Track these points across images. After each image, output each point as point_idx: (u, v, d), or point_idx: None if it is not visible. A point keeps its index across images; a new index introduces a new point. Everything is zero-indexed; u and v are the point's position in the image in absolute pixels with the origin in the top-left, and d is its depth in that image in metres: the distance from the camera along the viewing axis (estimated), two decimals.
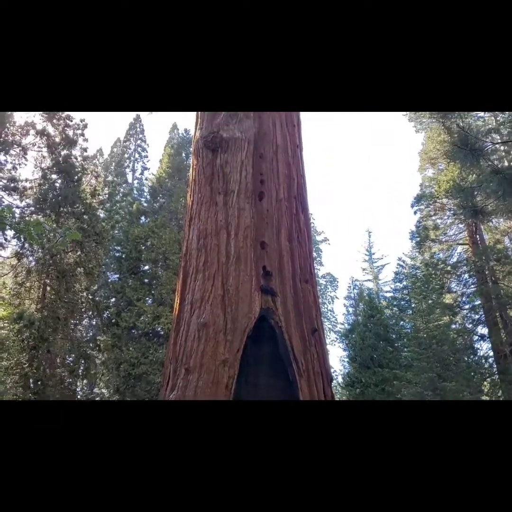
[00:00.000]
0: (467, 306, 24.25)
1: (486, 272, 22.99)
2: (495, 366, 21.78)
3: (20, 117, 20.87)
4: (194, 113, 5.31)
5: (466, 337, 23.33)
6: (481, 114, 27.54)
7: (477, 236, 25.45)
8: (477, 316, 23.60)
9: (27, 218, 18.06)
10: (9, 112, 19.97)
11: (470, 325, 23.80)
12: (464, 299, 24.27)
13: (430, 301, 23.55)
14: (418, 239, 27.30)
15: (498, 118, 25.96)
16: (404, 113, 32.71)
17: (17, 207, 19.25)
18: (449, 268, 25.39)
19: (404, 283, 30.32)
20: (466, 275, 24.78)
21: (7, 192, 19.26)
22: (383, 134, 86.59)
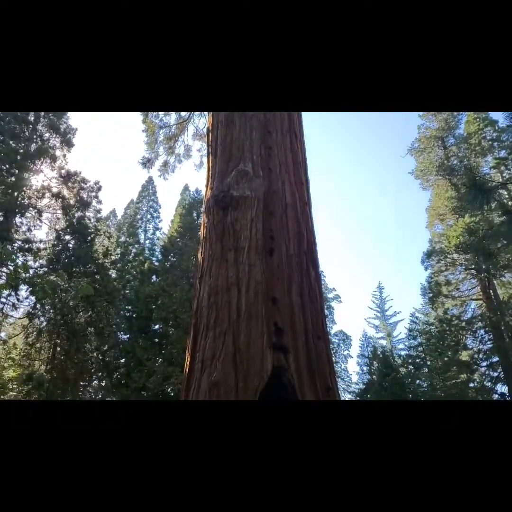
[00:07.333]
0: (484, 364, 23.54)
1: (502, 328, 22.51)
2: None
3: (36, 181, 21.64)
4: (205, 173, 5.45)
5: (485, 395, 22.48)
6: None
7: (491, 291, 25.14)
8: (495, 374, 22.85)
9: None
10: (26, 176, 20.72)
11: (489, 383, 22.99)
12: (481, 356, 23.60)
13: (446, 358, 22.99)
14: (430, 294, 27.02)
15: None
16: (411, 170, 33.44)
17: (31, 267, 19.52)
18: (464, 324, 24.92)
19: (419, 340, 29.69)
20: (482, 331, 24.25)
21: (21, 253, 19.61)
22: (389, 187, 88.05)
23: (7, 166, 19.98)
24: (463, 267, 25.51)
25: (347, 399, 37.45)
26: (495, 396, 22.65)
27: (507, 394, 21.75)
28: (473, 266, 24.91)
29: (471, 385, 22.88)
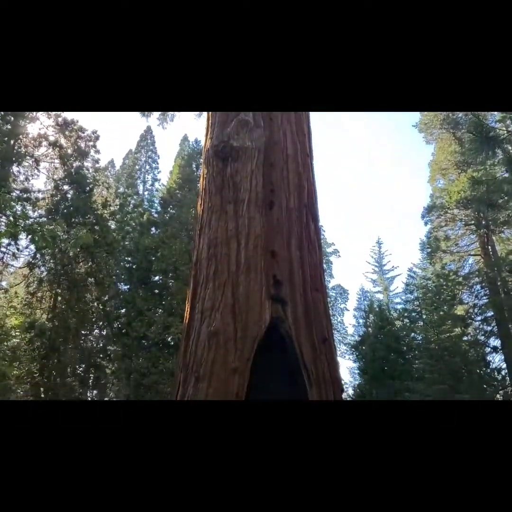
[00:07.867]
0: (479, 318, 23.95)
1: (498, 284, 22.74)
2: (508, 378, 21.46)
3: (32, 129, 21.20)
4: (205, 122, 5.34)
5: (478, 349, 23.03)
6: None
7: (489, 247, 25.23)
8: (489, 328, 23.31)
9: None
10: (22, 123, 20.30)
11: (482, 337, 23.50)
12: (476, 310, 23.97)
13: (441, 313, 23.35)
14: (429, 250, 27.13)
15: None
16: (414, 123, 32.76)
17: (30, 217, 19.45)
18: (460, 279, 25.15)
19: (415, 294, 30.06)
20: (478, 286, 24.52)
21: (20, 202, 19.48)
22: (391, 145, 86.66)
23: (2, 113, 19.52)
24: (463, 222, 25.47)
25: (342, 349, 38.31)
26: (488, 349, 23.22)
27: (500, 347, 22.28)
28: (472, 222, 24.87)
29: (465, 338, 23.36)
